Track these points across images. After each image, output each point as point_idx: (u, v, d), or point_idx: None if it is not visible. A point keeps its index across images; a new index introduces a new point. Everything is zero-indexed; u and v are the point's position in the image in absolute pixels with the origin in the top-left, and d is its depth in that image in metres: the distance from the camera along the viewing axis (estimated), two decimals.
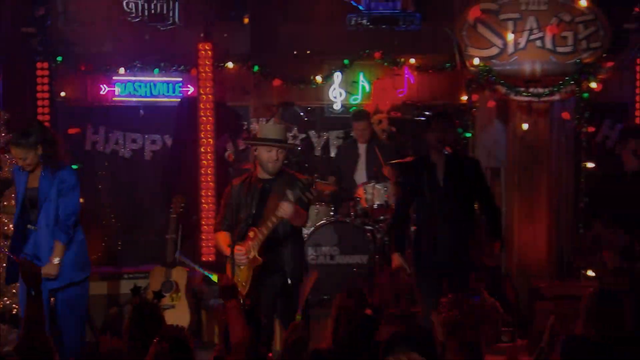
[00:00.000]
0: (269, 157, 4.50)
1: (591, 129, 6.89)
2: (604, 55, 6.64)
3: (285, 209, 4.10)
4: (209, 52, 6.69)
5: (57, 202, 4.53)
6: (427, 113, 6.98)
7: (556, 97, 6.68)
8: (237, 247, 4.38)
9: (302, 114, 7.10)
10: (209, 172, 6.63)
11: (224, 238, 4.61)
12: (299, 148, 7.12)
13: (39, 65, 6.66)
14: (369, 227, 6.42)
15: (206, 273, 5.80)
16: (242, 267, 4.41)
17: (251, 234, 4.46)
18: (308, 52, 7.24)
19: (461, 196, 4.72)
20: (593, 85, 6.56)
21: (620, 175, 5.71)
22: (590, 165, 6.75)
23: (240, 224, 4.61)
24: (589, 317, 3.36)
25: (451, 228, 4.69)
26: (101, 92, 7.08)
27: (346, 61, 7.00)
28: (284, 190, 4.46)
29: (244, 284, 4.43)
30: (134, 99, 7.13)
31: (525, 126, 6.85)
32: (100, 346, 5.67)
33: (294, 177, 4.68)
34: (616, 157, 6.04)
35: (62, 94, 6.97)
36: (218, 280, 3.99)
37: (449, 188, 4.69)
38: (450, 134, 4.91)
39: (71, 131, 6.97)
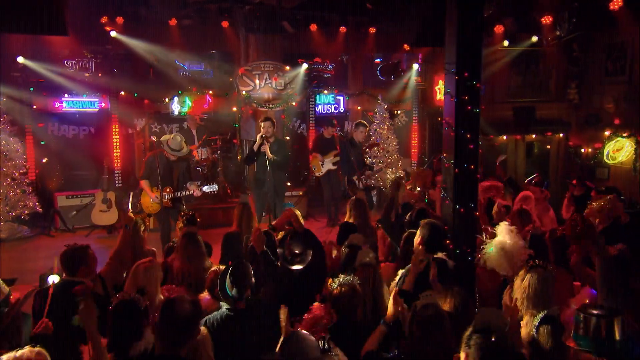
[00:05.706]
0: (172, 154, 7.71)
1: (293, 124, 11.76)
2: (297, 92, 11.46)
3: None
4: (113, 86, 10.63)
5: None
6: (205, 116, 11.13)
7: (278, 108, 11.43)
8: (160, 193, 7.38)
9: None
10: (117, 144, 10.69)
11: (146, 184, 7.53)
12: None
13: None
14: (199, 168, 10.58)
15: None
16: (157, 203, 7.50)
17: (167, 189, 7.46)
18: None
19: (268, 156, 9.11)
20: (293, 103, 11.49)
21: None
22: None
23: (156, 177, 7.30)
24: None
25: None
26: (55, 105, 10.49)
27: (180, 92, 10.97)
28: (178, 164, 7.62)
29: (152, 209, 7.46)
30: (73, 109, 10.58)
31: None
32: None
33: None
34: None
35: (34, 106, 10.36)
36: None
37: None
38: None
39: (40, 125, 10.64)
